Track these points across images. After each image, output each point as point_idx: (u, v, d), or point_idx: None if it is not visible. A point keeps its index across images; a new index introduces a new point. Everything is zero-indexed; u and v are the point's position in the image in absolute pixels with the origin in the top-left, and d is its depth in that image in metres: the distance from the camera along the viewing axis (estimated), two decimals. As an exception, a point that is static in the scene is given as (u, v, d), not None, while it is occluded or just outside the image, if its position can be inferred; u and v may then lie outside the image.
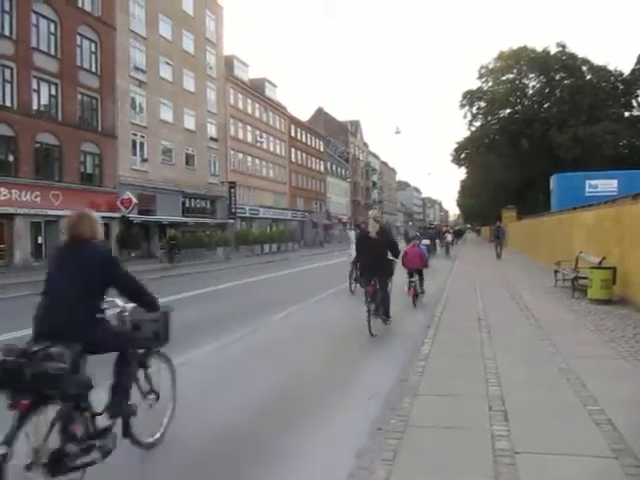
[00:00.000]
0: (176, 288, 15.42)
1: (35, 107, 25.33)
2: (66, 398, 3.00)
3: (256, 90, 51.08)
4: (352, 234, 15.13)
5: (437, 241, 29.26)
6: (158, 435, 3.99)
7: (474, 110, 47.12)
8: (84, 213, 3.60)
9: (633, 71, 42.59)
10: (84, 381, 3.14)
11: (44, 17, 25.70)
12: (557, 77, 44.34)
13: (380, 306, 8.35)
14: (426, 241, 16.75)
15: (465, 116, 47.79)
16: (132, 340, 3.72)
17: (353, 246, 12.13)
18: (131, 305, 3.78)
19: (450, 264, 22.21)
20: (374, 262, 8.37)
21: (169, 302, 12.60)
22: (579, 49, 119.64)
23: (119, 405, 3.49)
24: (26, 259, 24.19)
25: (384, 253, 8.50)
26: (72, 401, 3.05)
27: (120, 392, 3.52)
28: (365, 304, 8.16)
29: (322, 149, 73.09)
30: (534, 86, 46.38)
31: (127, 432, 3.59)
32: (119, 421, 3.52)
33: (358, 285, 11.77)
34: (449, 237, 31.75)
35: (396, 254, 8.85)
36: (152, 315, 3.85)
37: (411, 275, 11.52)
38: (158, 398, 4.02)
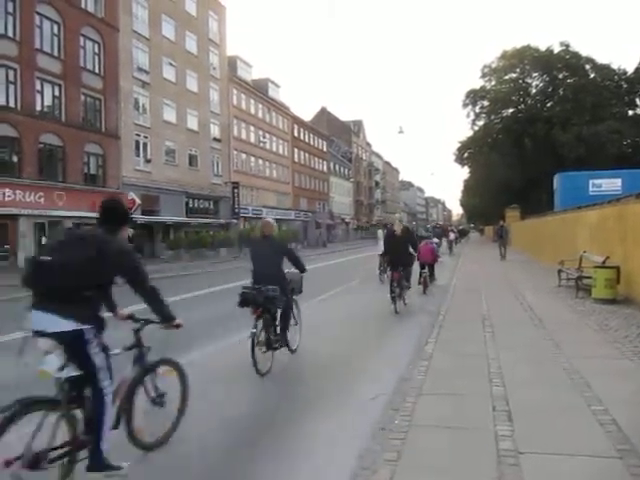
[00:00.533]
0: (182, 288, 15.44)
1: (39, 108, 25.38)
2: (274, 311, 6.28)
3: (259, 90, 51.10)
4: (380, 233, 17.09)
5: (443, 239, 31.86)
6: (297, 345, 7.02)
7: (477, 109, 47.12)
8: (268, 220, 6.75)
9: (637, 70, 42.48)
10: (285, 302, 6.44)
11: (47, 18, 25.76)
12: (560, 76, 44.27)
13: (403, 289, 10.67)
14: (435, 239, 18.37)
15: (468, 115, 47.83)
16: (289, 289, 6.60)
17: (381, 242, 14.17)
18: (286, 270, 6.60)
19: (454, 261, 23.43)
20: (399, 255, 10.61)
21: (175, 301, 12.60)
22: (583, 48, 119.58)
23: (286, 340, 6.64)
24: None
25: (406, 248, 10.70)
26: (274, 314, 6.29)
27: (285, 333, 6.61)
28: (390, 289, 10.38)
29: (325, 149, 73.07)
30: (537, 85, 46.33)
31: (285, 343, 6.64)
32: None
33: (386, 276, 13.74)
34: (452, 235, 34.73)
35: (415, 249, 11.46)
36: (297, 275, 6.84)
37: (423, 267, 13.62)
38: (297, 324, 7.04)
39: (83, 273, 3.10)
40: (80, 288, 3.14)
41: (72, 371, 3.17)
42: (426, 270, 13.60)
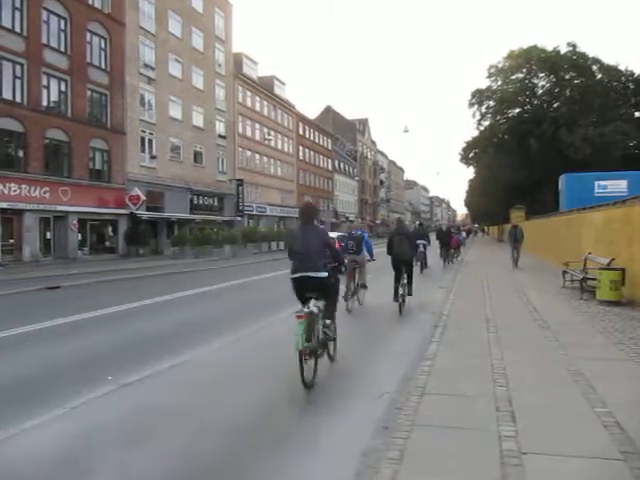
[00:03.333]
0: (182, 285, 15.47)
1: (45, 103, 25.48)
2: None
3: (265, 88, 51.11)
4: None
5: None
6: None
7: (483, 109, 46.83)
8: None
9: (644, 71, 42.20)
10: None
11: (54, 14, 25.83)
12: (567, 77, 43.99)
13: (447, 257, 22.72)
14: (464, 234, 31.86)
15: (474, 115, 47.48)
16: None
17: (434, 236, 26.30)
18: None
19: (464, 253, 29.94)
20: (444, 240, 22.86)
21: (178, 298, 12.65)
22: (589, 48, 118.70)
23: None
24: (35, 254, 24.33)
25: (448, 236, 23.13)
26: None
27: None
28: (441, 256, 22.62)
29: (330, 147, 73.04)
30: (544, 86, 46.02)
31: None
32: None
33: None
34: (464, 234, 41.40)
35: (451, 238, 23.39)
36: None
37: (449, 250, 23.43)
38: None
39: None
40: None
41: None
42: (452, 251, 24.44)
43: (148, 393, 5.37)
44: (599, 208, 14.05)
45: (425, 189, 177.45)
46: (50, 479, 3.63)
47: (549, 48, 44.02)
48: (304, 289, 5.69)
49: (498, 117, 46.62)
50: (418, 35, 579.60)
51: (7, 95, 23.44)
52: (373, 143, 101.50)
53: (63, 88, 26.48)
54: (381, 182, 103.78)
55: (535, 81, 45.92)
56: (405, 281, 10.25)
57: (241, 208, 42.99)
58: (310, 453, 3.91)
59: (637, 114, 43.84)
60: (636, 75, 43.04)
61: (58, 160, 26.33)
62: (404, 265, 10.29)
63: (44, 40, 25.19)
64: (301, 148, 61.15)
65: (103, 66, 29.07)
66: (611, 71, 42.93)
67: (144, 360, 6.52)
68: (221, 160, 42.07)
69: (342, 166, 78.64)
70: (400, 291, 9.95)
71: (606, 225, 12.75)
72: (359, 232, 10.96)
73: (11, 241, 23.91)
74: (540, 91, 46.19)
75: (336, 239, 12.54)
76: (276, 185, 52.79)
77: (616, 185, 22.13)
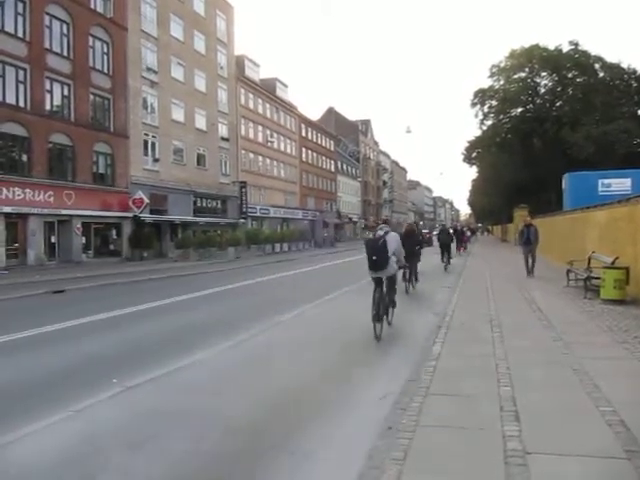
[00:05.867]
0: (188, 287, 15.51)
1: (48, 108, 25.57)
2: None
3: (267, 90, 51.18)
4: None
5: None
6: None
7: (485, 109, 46.83)
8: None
9: (647, 69, 42.07)
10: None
11: (57, 18, 25.94)
12: (569, 75, 43.93)
13: (464, 248, 31.95)
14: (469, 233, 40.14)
15: (476, 115, 47.50)
16: None
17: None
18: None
19: (470, 249, 34.21)
20: (459, 237, 30.92)
21: (182, 301, 12.68)
22: (592, 47, 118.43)
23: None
24: (40, 258, 24.43)
25: (462, 234, 32.57)
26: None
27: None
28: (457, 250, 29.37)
29: (333, 148, 73.06)
30: (546, 84, 45.98)
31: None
32: None
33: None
34: (468, 233, 43.33)
35: (464, 235, 33.93)
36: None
37: (460, 244, 30.97)
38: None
39: None
40: None
41: None
42: (464, 244, 31.96)
43: (154, 395, 5.39)
44: (603, 207, 13.98)
45: (428, 189, 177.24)
46: (56, 482, 3.65)
47: (551, 47, 44.03)
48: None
49: (501, 116, 46.59)
50: (420, 35, 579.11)
51: (10, 100, 23.54)
52: (376, 144, 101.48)
53: (66, 92, 26.57)
54: (384, 183, 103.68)
55: (537, 80, 45.87)
56: (448, 256, 20.77)
57: (244, 210, 43.06)
58: (315, 453, 3.92)
59: (640, 112, 43.72)
60: (639, 73, 42.92)
61: (62, 164, 26.42)
62: (446, 247, 20.96)
63: (47, 45, 25.29)
64: (304, 150, 61.19)
65: (106, 70, 29.17)
66: (613, 69, 42.82)
67: (149, 362, 6.55)
68: (224, 162, 42.14)
69: (345, 167, 78.64)
70: (444, 260, 20.55)
71: (610, 224, 12.71)
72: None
73: (16, 245, 24.00)
74: (542, 90, 46.13)
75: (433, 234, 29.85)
76: (279, 187, 52.85)
77: (620, 184, 22.06)
